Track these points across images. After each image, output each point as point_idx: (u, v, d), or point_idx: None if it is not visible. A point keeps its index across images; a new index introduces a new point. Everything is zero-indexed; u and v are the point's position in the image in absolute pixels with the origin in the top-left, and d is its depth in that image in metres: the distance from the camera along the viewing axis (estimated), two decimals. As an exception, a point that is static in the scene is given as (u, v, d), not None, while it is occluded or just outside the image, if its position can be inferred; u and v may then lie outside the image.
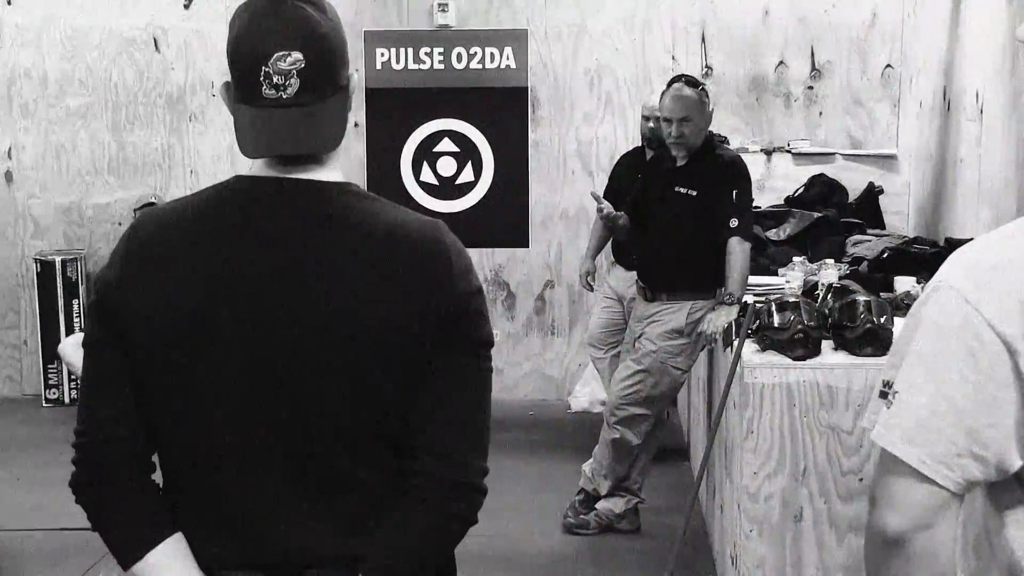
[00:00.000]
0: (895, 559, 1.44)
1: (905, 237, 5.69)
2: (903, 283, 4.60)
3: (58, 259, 7.09)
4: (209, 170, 7.23)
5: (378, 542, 1.64)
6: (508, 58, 7.00)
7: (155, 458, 1.72)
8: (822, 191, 6.41)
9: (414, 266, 1.63)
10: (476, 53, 7.00)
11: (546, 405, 7.11)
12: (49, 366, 7.15)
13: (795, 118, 6.97)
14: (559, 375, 7.28)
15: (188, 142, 7.23)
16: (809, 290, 4.57)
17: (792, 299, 3.87)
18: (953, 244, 5.13)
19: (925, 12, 6.59)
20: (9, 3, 7.13)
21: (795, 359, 3.71)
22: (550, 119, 7.09)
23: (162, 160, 7.23)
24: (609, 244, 5.98)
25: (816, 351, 3.74)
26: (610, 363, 5.91)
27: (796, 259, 5.03)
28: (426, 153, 7.09)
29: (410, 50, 7.02)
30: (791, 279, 4.53)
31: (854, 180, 6.69)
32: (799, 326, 3.73)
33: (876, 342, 3.73)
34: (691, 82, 4.77)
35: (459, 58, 7.01)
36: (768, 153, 6.74)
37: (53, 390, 7.20)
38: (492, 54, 7.01)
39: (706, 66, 6.94)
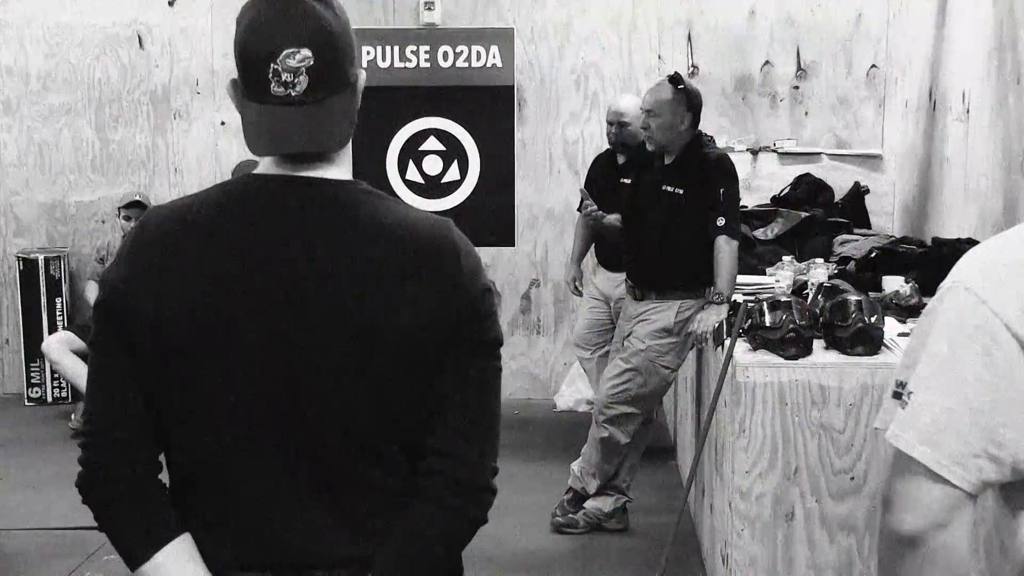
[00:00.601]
0: (910, 559, 1.43)
1: (892, 237, 5.71)
2: (891, 283, 4.60)
3: (41, 257, 7.04)
4: (193, 168, 7.20)
5: (389, 543, 1.63)
6: (494, 57, 6.99)
7: (162, 458, 1.71)
8: (808, 191, 6.42)
9: (424, 265, 1.62)
10: (462, 52, 6.99)
11: (532, 404, 7.11)
12: (32, 365, 7.10)
13: (781, 118, 6.99)
14: (545, 374, 7.27)
15: (172, 140, 7.19)
16: (798, 289, 4.58)
17: (784, 298, 3.87)
18: (940, 244, 5.15)
19: (910, 12, 6.62)
20: (-9, -1, 7.09)
21: (787, 358, 3.71)
22: (536, 118, 7.09)
23: (146, 158, 7.19)
24: (593, 247, 5.98)
25: (808, 350, 3.74)
26: (597, 363, 5.92)
27: (785, 258, 5.04)
28: (412, 152, 7.07)
29: (396, 48, 7.00)
30: (781, 278, 4.54)
31: (840, 180, 6.71)
32: (791, 325, 3.73)
33: (868, 341, 3.73)
34: (674, 80, 4.76)
35: (445, 57, 6.99)
36: (754, 152, 6.75)
37: (35, 389, 7.15)
38: (478, 53, 6.99)
39: (692, 65, 6.94)
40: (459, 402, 1.63)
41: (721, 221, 4.53)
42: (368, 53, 6.99)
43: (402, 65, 7.01)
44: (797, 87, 6.98)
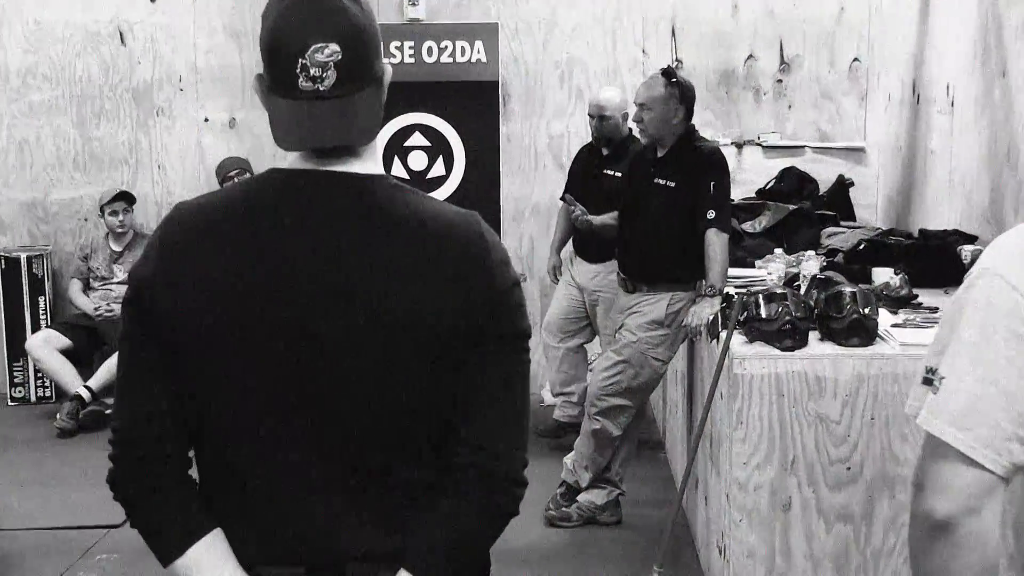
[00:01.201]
0: (942, 543, 1.45)
1: (879, 229, 5.75)
2: (881, 274, 4.63)
3: (23, 255, 6.99)
4: (177, 165, 7.17)
5: (420, 536, 1.63)
6: (479, 52, 6.98)
7: (191, 454, 1.70)
8: (793, 183, 6.47)
9: (453, 258, 1.62)
10: (447, 47, 6.98)
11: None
12: (14, 364, 7.06)
13: (764, 111, 7.02)
14: (532, 368, 7.25)
15: (155, 137, 7.16)
16: (789, 281, 4.61)
17: (779, 291, 3.89)
18: (927, 236, 5.19)
19: (892, 6, 6.66)
20: (-30, -4, 7.03)
21: (783, 350, 3.73)
22: (521, 113, 7.09)
23: (129, 155, 7.15)
24: (572, 237, 5.99)
25: (803, 342, 3.77)
26: (563, 354, 5.94)
27: (777, 251, 5.06)
28: (397, 147, 7.06)
29: (380, 44, 6.96)
30: (772, 271, 4.56)
31: (823, 172, 6.76)
32: (787, 317, 3.76)
33: (862, 332, 3.76)
34: (667, 74, 4.78)
35: (430, 52, 6.98)
36: (739, 146, 6.79)
37: (18, 388, 7.10)
38: (463, 48, 6.99)
39: (676, 60, 6.96)
40: (489, 395, 1.64)
41: (712, 214, 4.55)
42: (352, 49, 6.95)
43: (386, 61, 6.95)
44: (780, 81, 7.01)
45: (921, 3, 6.05)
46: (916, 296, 4.40)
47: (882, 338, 3.82)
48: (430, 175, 7.08)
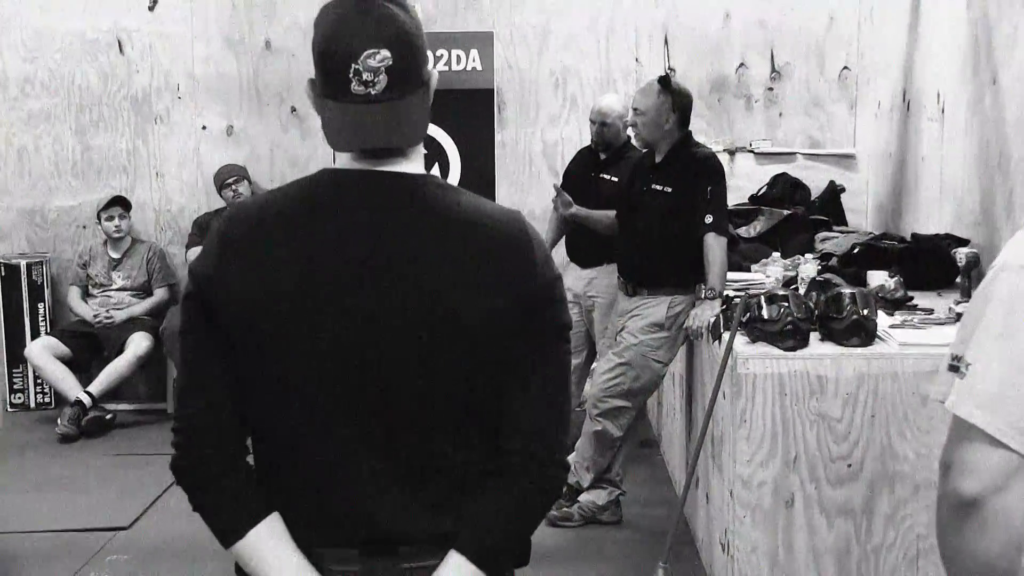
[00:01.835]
0: (969, 522, 1.53)
1: (871, 233, 5.86)
2: (876, 277, 4.74)
3: (23, 263, 7.04)
4: (175, 172, 7.23)
5: (470, 518, 1.71)
6: (474, 60, 7.06)
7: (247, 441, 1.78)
8: (785, 189, 6.57)
9: (500, 255, 1.70)
10: (442, 55, 7.05)
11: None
12: (14, 371, 7.10)
13: (756, 119, 7.12)
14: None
15: (153, 144, 7.21)
16: (786, 284, 4.71)
17: (781, 292, 3.99)
18: (919, 239, 5.30)
19: (882, 16, 6.78)
20: (-31, 5, 7.08)
21: (785, 350, 3.82)
22: (516, 120, 7.18)
23: (127, 162, 7.21)
24: (564, 243, 6.03)
25: (805, 342, 3.86)
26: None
27: (775, 254, 5.16)
28: (393, 154, 7.12)
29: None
30: (771, 273, 4.65)
31: (814, 179, 6.87)
32: (789, 318, 3.85)
33: (862, 333, 3.86)
34: (662, 81, 4.90)
35: (425, 60, 7.05)
36: (731, 153, 6.89)
37: (18, 395, 7.15)
38: (458, 56, 7.06)
39: (669, 68, 7.06)
40: (534, 383, 1.72)
41: (709, 219, 4.65)
42: (349, 57, 7.03)
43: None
44: (771, 89, 7.12)
45: (911, 13, 6.17)
46: (911, 298, 4.50)
47: (881, 338, 3.92)
48: (426, 182, 7.14)
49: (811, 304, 4.01)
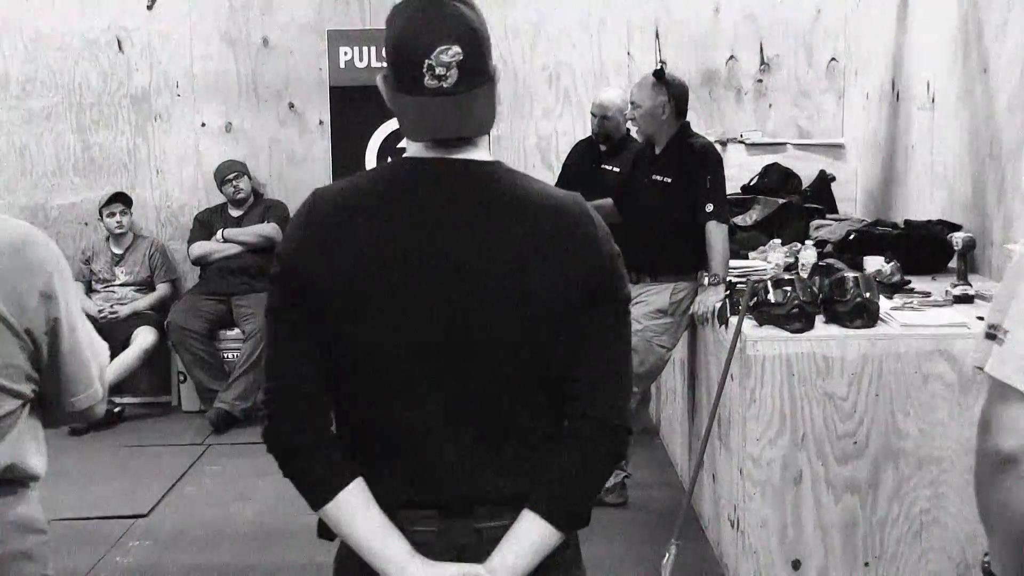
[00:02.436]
0: (1007, 477, 1.66)
1: (864, 220, 6.01)
2: (872, 262, 4.88)
3: (25, 260, 7.09)
4: (175, 169, 7.32)
5: (543, 479, 1.84)
6: (469, 55, 7.17)
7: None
8: (777, 179, 6.71)
9: (567, 233, 1.83)
10: (438, 51, 7.16)
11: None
12: (18, 367, 7.16)
13: (746, 110, 7.28)
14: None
15: (153, 142, 7.30)
16: (786, 270, 4.85)
17: (787, 277, 4.13)
18: (912, 225, 5.45)
19: (868, 8, 6.94)
20: (-32, 5, 7.14)
21: (792, 332, 3.96)
22: (510, 114, 7.31)
23: (127, 160, 7.30)
24: None
25: (811, 324, 4.00)
26: None
27: (774, 241, 5.31)
28: (390, 149, 7.22)
29: (373, 48, 7.16)
30: (772, 259, 4.80)
31: (804, 168, 7.01)
32: (795, 302, 3.99)
33: (865, 314, 4.00)
34: (657, 74, 5.05)
35: (421, 56, 7.16)
36: (723, 144, 7.03)
37: (22, 391, 7.21)
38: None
39: (660, 61, 7.15)
40: (600, 352, 1.85)
41: (710, 207, 4.80)
42: (345, 53, 7.15)
43: (380, 65, 7.17)
44: (761, 80, 7.28)
45: (899, 5, 6.32)
46: (908, 282, 4.66)
47: (883, 320, 4.06)
48: (423, 176, 7.25)
49: (815, 288, 4.15)
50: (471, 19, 1.84)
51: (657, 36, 7.22)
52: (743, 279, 4.63)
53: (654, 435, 6.27)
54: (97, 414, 2.06)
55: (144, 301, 7.03)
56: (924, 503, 3.95)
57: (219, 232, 6.95)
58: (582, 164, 6.07)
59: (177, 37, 7.20)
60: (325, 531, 1.92)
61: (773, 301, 4.03)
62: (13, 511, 1.80)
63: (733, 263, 5.13)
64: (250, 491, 5.40)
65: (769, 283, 4.09)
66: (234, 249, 6.86)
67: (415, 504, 1.85)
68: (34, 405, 1.81)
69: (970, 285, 4.46)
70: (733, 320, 4.16)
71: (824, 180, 6.81)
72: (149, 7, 7.19)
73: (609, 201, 5.35)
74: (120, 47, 7.22)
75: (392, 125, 7.17)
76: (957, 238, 4.57)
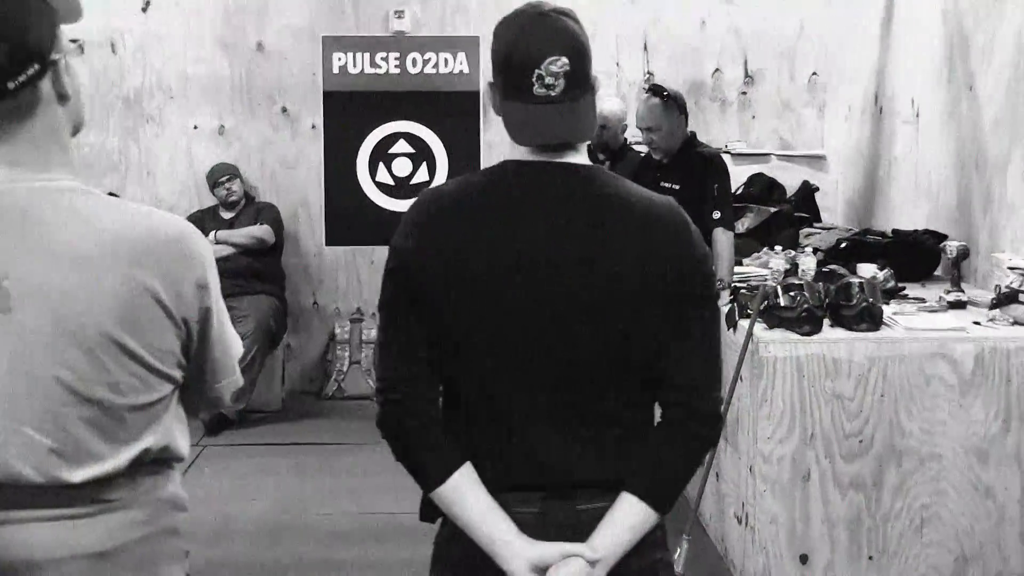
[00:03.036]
0: None
1: (851, 229, 6.20)
2: (866, 269, 5.07)
3: (17, 259, 7.12)
4: (167, 171, 7.37)
5: (641, 464, 1.97)
6: (461, 63, 7.32)
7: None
8: (762, 189, 6.90)
9: (663, 231, 1.97)
10: (430, 58, 7.31)
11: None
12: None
13: (730, 121, 7.47)
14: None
15: (144, 144, 7.35)
16: (785, 276, 5.02)
17: (796, 282, 4.29)
18: (900, 234, 5.65)
19: (851, 25, 7.15)
20: (-38, 5, 7.14)
21: (802, 335, 4.13)
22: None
23: (119, 161, 7.34)
24: None
25: (819, 327, 4.17)
26: None
27: (777, 248, 5.49)
28: (382, 154, 7.36)
29: (367, 55, 7.28)
30: (774, 265, 4.97)
31: (788, 179, 7.23)
32: (805, 305, 4.15)
33: (871, 318, 4.18)
34: (656, 91, 5.20)
35: (414, 63, 7.30)
36: (710, 153, 7.21)
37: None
38: (446, 59, 7.32)
39: (648, 73, 7.37)
40: (693, 345, 1.99)
41: (717, 214, 4.97)
42: (339, 59, 7.26)
43: (373, 71, 7.30)
44: (745, 93, 7.47)
45: (883, 22, 6.54)
46: (903, 288, 4.84)
47: (887, 324, 4.24)
48: (414, 180, 7.39)
49: (821, 293, 4.31)
50: (577, 32, 1.97)
51: (645, 48, 7.40)
52: (744, 284, 4.80)
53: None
54: (236, 403, 2.18)
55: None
56: (925, 499, 4.13)
57: (211, 234, 7.01)
58: None
59: (171, 39, 7.26)
60: (428, 514, 2.04)
61: (783, 305, 4.19)
62: (164, 490, 1.90)
63: (738, 269, 5.30)
64: (250, 492, 5.50)
65: (779, 287, 4.25)
66: (226, 251, 6.91)
67: (519, 487, 1.97)
68: (179, 391, 1.92)
69: (963, 292, 4.65)
70: (742, 323, 4.32)
71: (808, 190, 7.02)
72: (143, 9, 7.24)
73: None
74: (113, 49, 7.27)
75: (386, 130, 7.30)
76: (951, 247, 4.76)
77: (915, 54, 6.06)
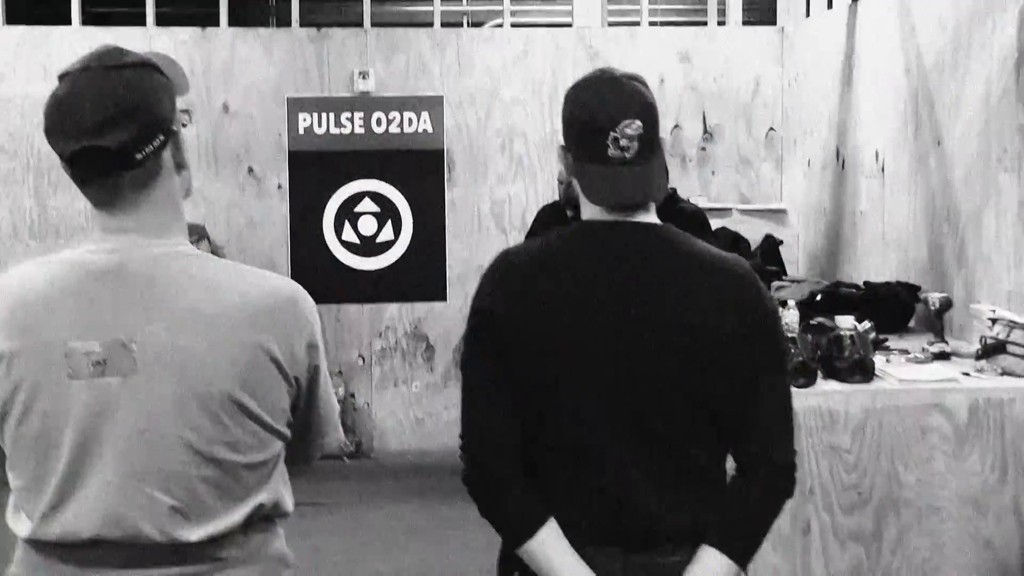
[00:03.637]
0: None
1: (820, 282, 6.30)
2: (844, 321, 5.13)
3: (-23, 325, 6.98)
4: (129, 233, 7.27)
5: (720, 515, 2.00)
6: (425, 122, 7.36)
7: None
8: (727, 242, 6.99)
9: (734, 286, 2.02)
10: (395, 118, 7.34)
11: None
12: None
13: (691, 176, 7.60)
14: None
15: (107, 205, 7.25)
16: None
17: (788, 335, 4.35)
18: (872, 287, 5.75)
19: (807, 81, 7.32)
20: (-80, 68, 7.06)
21: (798, 387, 4.17)
22: (465, 179, 7.48)
23: (85, 223, 7.24)
24: None
25: (814, 380, 4.23)
26: None
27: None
28: (347, 213, 7.36)
29: (331, 115, 7.30)
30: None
31: (749, 232, 7.34)
32: (799, 358, 4.21)
33: (863, 371, 4.25)
34: None
35: (379, 122, 7.33)
36: (674, 209, 7.31)
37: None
38: (410, 119, 7.36)
39: (611, 129, 7.46)
40: (766, 398, 2.04)
41: (701, 270, 5.01)
42: (304, 120, 7.26)
43: (338, 131, 7.31)
44: (704, 148, 7.60)
45: (842, 78, 6.70)
46: (885, 339, 4.93)
47: (879, 376, 4.31)
48: (379, 239, 7.39)
49: (812, 345, 4.38)
50: (647, 96, 2.02)
51: (607, 105, 7.49)
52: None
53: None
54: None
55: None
56: (925, 552, 4.18)
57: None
58: (548, 228, 6.25)
59: (134, 102, 7.20)
60: (506, 570, 2.04)
61: (778, 359, 4.24)
62: (272, 547, 1.91)
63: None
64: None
65: (773, 342, 4.30)
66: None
67: (600, 541, 1.98)
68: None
69: (947, 343, 4.75)
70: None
71: (773, 243, 7.13)
72: (106, 72, 7.18)
73: None
74: (76, 111, 7.19)
75: (351, 189, 7.30)
76: (934, 298, 4.86)
77: (877, 109, 6.21)
